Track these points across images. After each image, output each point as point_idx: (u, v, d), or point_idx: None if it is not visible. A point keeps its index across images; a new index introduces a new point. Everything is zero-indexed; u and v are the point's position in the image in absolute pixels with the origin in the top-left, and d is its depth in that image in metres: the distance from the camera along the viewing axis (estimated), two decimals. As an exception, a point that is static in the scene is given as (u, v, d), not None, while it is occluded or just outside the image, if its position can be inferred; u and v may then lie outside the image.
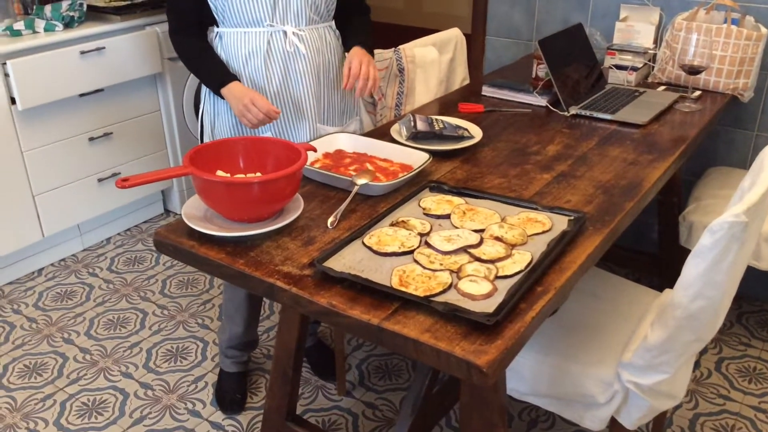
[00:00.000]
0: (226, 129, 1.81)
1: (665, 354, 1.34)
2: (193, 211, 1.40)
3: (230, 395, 2.09)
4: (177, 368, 2.24)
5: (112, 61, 2.75)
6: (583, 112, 1.98)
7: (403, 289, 1.16)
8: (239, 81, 1.72)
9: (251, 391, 2.13)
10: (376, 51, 2.15)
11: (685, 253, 2.22)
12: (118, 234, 3.07)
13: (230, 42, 1.73)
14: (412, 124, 1.75)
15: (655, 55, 2.29)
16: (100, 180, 2.88)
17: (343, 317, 1.13)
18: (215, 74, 1.73)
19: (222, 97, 1.73)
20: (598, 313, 1.66)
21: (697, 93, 2.13)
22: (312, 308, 1.17)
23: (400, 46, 2.19)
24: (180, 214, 3.18)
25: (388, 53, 2.16)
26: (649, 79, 2.30)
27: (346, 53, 1.82)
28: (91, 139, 2.81)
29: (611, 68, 2.25)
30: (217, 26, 1.75)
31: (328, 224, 1.39)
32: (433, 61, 2.20)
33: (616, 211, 1.43)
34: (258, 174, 1.46)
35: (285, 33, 1.71)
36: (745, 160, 2.39)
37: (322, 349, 2.21)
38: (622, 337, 1.56)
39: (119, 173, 2.94)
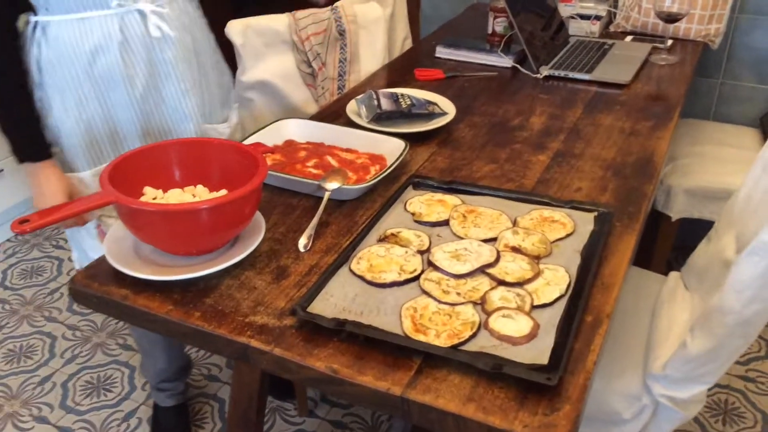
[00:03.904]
0: (76, 137, 1.31)
1: (709, 364, 1.15)
2: (118, 246, 1.06)
3: (171, 432, 1.77)
4: (102, 404, 1.89)
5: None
6: (556, 73, 1.75)
7: (422, 338, 0.89)
8: (54, 160, 1.26)
9: (195, 424, 1.83)
10: (309, 11, 1.82)
11: (660, 218, 2.08)
12: (8, 240, 2.61)
13: (64, 36, 1.22)
14: (375, 102, 1.45)
15: (616, 0, 2.08)
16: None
17: (350, 386, 0.86)
18: (22, 138, 1.25)
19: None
20: (603, 307, 1.46)
21: (670, 42, 1.94)
22: (305, 375, 0.89)
23: (338, 3, 1.85)
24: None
25: (324, 13, 1.82)
26: (611, 28, 2.09)
27: None
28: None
29: (573, 18, 2.02)
30: (35, 14, 1.23)
31: (301, 247, 1.09)
32: (378, 19, 1.89)
33: (639, 199, 1.21)
34: (200, 187, 1.13)
35: (142, 13, 1.26)
36: (709, 111, 2.25)
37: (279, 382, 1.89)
38: (640, 338, 1.37)
39: None
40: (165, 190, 1.12)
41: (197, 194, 1.12)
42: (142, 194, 1.09)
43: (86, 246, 1.36)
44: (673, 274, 1.53)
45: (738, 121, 2.21)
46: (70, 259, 2.48)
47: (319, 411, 1.84)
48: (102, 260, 1.04)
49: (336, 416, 1.83)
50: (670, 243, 2.05)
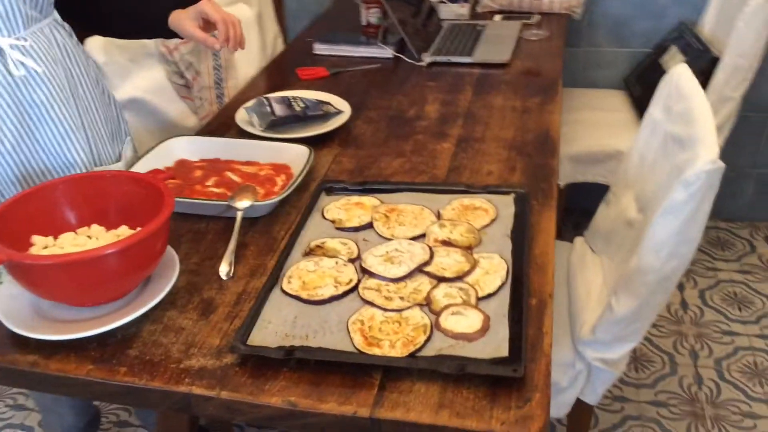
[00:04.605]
0: None
1: (636, 323, 1.20)
2: (13, 307, 0.93)
3: (87, 490, 1.62)
4: (2, 476, 1.69)
5: None
6: (438, 59, 1.75)
7: (377, 351, 0.85)
8: None
9: (116, 476, 1.68)
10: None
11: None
12: None
13: None
14: (268, 108, 1.38)
15: (479, -19, 2.12)
16: None
17: (312, 417, 0.80)
18: None
19: None
20: (521, 283, 1.48)
21: (537, 18, 2.00)
22: (260, 414, 0.82)
23: (204, 9, 1.75)
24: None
25: (190, 20, 1.71)
26: (479, 9, 2.13)
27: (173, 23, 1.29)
28: None
29: (443, 2, 2.03)
30: None
31: (223, 275, 1.01)
32: (248, 21, 1.80)
33: (547, 175, 1.24)
34: (95, 227, 1.02)
35: None
36: (576, 78, 2.35)
37: None
38: (561, 306, 1.41)
39: None
40: (56, 236, 0.99)
41: (93, 235, 1.01)
42: (31, 245, 0.97)
43: None
44: (578, 240, 1.59)
45: (604, 85, 2.33)
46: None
47: (248, 436, 1.76)
48: (-2, 326, 0.91)
49: (267, 438, 1.75)
50: (561, 209, 2.14)
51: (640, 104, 2.11)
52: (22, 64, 1.08)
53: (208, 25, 1.29)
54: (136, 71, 1.69)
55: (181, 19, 1.28)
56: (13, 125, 1.10)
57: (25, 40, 1.09)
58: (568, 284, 1.47)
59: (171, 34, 1.31)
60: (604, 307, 1.23)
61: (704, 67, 1.91)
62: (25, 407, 1.87)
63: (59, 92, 1.14)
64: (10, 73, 1.07)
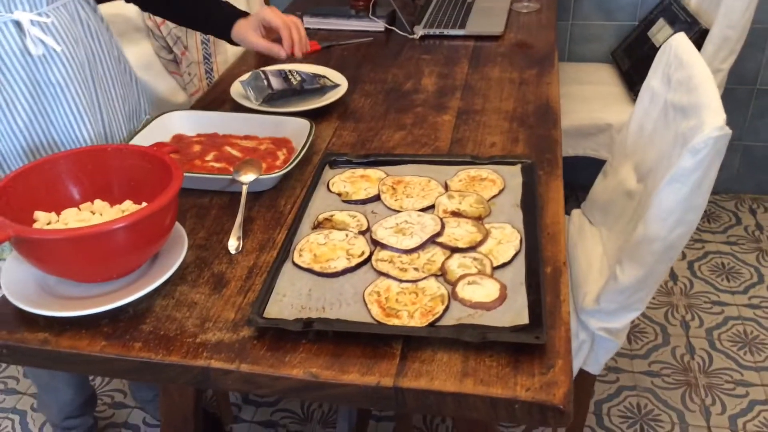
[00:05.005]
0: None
1: (640, 291, 1.21)
2: (19, 284, 0.90)
3: (84, 473, 1.60)
4: (-5, 462, 1.66)
5: None
6: (431, 32, 1.73)
7: (396, 322, 0.84)
8: None
9: (112, 458, 1.67)
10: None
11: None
12: None
13: None
14: (265, 82, 1.35)
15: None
16: None
17: (334, 388, 0.79)
18: None
19: None
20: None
21: (527, -10, 1.99)
22: (281, 386, 0.81)
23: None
24: None
25: (178, -7, 1.67)
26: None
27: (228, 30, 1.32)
28: None
29: (432, -24, 2.01)
30: None
31: (232, 249, 0.99)
32: (237, -5, 1.77)
33: (551, 146, 1.23)
34: (98, 202, 0.99)
35: (18, 24, 1.02)
36: (563, 52, 2.35)
37: (205, 417, 1.73)
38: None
39: None
40: (58, 212, 0.97)
41: (96, 210, 0.99)
42: (34, 221, 0.94)
43: None
44: (576, 212, 1.59)
45: (590, 59, 2.33)
46: None
47: (245, 414, 1.74)
48: (4, 303, 0.89)
49: (264, 416, 1.74)
50: (552, 183, 2.14)
51: (629, 77, 2.12)
52: (42, 42, 1.04)
53: (269, 31, 1.29)
54: (122, 45, 1.64)
55: (242, 31, 1.29)
56: (27, 104, 1.07)
57: (47, 16, 1.04)
58: (568, 256, 1.47)
59: (231, 42, 1.34)
60: (608, 276, 1.24)
61: (692, 39, 1.91)
62: (17, 391, 1.84)
63: (77, 72, 1.10)
64: (28, 52, 1.03)
